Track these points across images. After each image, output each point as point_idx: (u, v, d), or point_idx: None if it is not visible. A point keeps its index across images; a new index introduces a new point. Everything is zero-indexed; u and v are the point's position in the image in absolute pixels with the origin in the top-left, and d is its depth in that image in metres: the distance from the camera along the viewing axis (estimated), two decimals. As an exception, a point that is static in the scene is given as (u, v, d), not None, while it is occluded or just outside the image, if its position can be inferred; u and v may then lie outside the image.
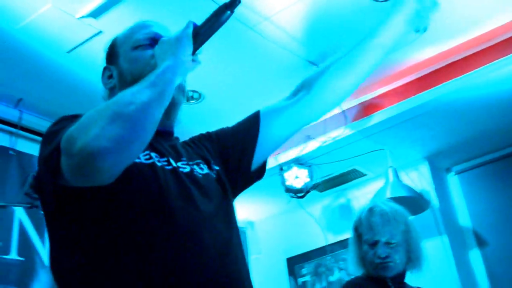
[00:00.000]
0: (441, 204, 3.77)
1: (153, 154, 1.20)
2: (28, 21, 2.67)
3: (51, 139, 1.10)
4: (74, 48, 2.88)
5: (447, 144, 3.71)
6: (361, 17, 2.83)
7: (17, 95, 3.20)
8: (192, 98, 3.37)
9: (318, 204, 4.20)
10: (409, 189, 3.54)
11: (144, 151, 1.16)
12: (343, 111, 3.38)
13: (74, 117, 1.11)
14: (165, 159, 1.21)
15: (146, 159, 1.18)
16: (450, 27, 2.97)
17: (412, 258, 2.16)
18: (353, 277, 2.26)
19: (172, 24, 2.69)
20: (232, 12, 1.23)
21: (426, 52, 3.16)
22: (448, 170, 4.02)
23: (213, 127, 1.44)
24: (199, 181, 1.23)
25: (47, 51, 2.88)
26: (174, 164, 1.21)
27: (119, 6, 2.63)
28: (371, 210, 2.18)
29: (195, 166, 1.27)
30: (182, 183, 1.18)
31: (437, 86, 3.12)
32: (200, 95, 3.35)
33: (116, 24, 2.73)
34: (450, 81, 3.08)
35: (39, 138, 3.44)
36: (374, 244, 2.12)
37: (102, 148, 0.95)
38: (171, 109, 1.23)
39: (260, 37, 2.89)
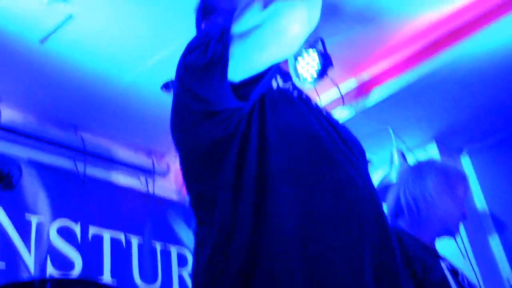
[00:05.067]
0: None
1: None
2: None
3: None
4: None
5: (456, 122, 3.44)
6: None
7: None
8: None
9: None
10: (418, 172, 3.28)
11: None
12: (340, 91, 3.15)
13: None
14: None
15: None
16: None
17: None
18: None
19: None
20: None
21: (425, 18, 2.91)
22: (459, 150, 3.75)
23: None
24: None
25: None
26: None
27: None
28: None
29: None
30: None
31: (437, 55, 2.87)
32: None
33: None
34: (451, 47, 2.83)
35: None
36: None
37: None
38: None
39: None
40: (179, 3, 2.59)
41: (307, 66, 2.89)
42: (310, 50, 2.87)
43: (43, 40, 2.75)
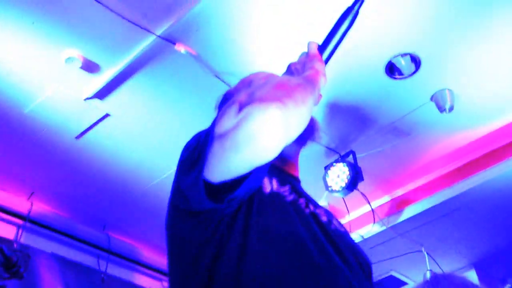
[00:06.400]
0: (496, 322, 3.21)
1: None
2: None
3: None
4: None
5: (498, 248, 3.23)
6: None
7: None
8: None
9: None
10: (454, 300, 3.03)
11: None
12: (371, 207, 3.04)
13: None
14: None
15: None
16: (484, 109, 2.68)
17: None
18: None
19: (178, 101, 2.59)
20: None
21: (459, 140, 2.84)
22: (503, 281, 3.48)
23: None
24: None
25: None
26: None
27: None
28: None
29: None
30: None
31: (475, 175, 2.76)
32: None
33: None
34: (489, 168, 2.72)
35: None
36: None
37: None
38: None
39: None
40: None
41: (336, 179, 2.82)
42: (341, 164, 2.82)
43: (79, 136, 2.84)
